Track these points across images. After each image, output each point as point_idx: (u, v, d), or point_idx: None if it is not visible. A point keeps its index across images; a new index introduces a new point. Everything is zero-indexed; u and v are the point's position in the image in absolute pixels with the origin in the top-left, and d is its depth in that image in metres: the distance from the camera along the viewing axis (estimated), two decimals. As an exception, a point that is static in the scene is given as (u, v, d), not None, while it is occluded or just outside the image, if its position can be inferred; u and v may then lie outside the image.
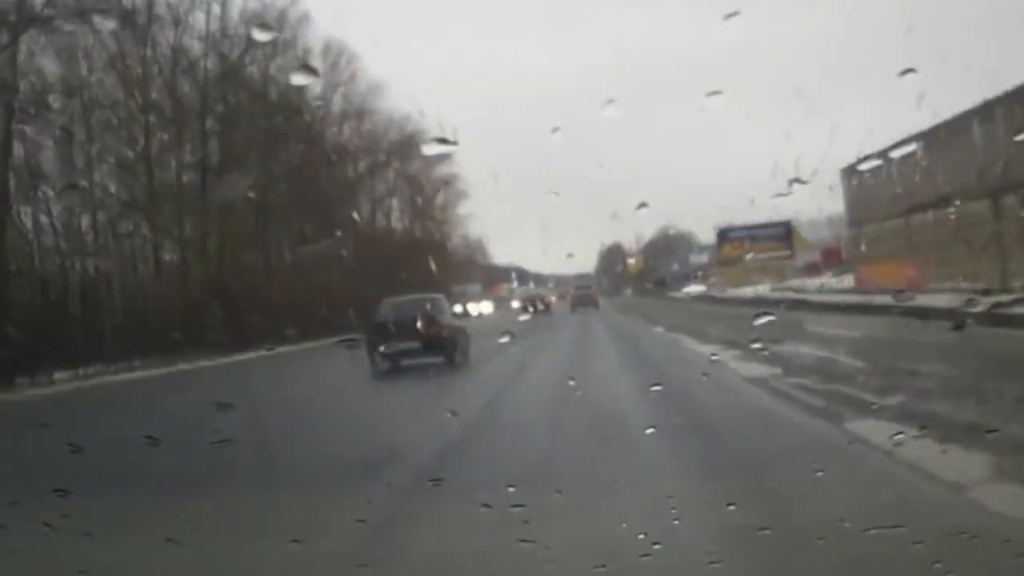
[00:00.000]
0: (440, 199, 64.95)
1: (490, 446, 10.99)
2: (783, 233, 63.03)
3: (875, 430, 9.08)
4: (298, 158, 49.63)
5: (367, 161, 58.55)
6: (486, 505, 6.68)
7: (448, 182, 62.62)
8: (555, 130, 8.06)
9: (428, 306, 22.12)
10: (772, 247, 62.14)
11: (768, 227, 60.30)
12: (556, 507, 6.96)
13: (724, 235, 64.58)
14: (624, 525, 6.29)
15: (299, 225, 49.11)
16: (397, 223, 63.56)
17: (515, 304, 50.06)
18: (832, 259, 55.35)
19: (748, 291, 47.35)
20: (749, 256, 61.03)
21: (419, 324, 20.83)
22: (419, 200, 63.05)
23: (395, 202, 63.06)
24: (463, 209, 64.72)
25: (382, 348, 20.63)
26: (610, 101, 7.24)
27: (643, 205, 8.38)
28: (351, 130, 56.62)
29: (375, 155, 58.65)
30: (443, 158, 55.93)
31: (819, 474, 7.26)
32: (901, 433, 8.38)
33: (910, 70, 6.95)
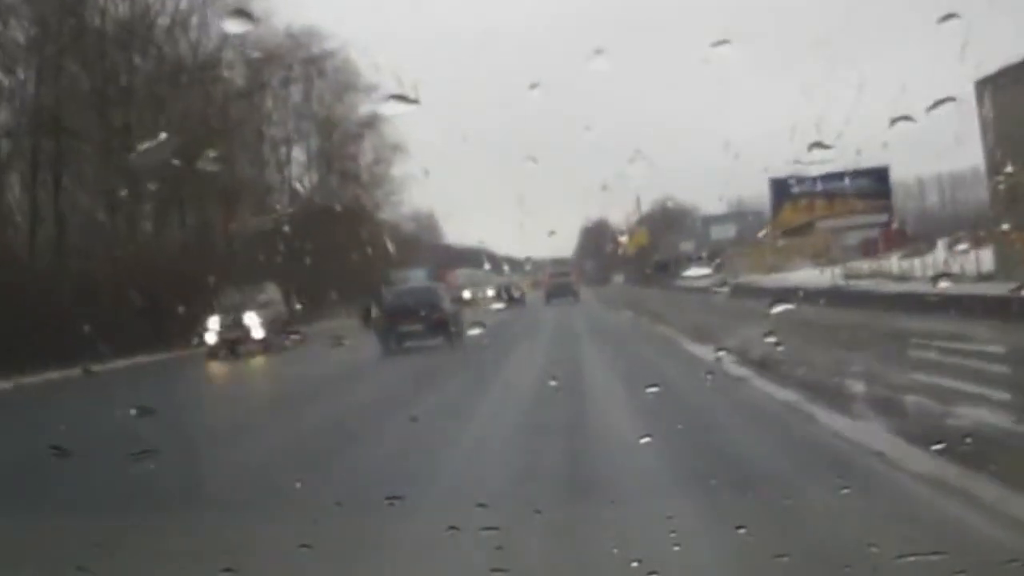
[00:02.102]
0: (368, 154, 53.86)
1: (458, 457, 10.74)
2: (876, 186, 45.94)
3: None
4: (125, 69, 41.13)
5: (246, 83, 47.07)
6: (453, 527, 6.48)
7: (371, 125, 50.99)
8: (533, 86, 7.86)
9: (430, 294, 29.62)
10: (859, 208, 45.61)
11: (853, 176, 42.44)
12: (535, 530, 6.81)
13: (783, 191, 44.90)
14: (615, 551, 6.13)
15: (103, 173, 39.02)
16: (300, 181, 52.99)
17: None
18: (895, 236, 45.03)
19: (798, 277, 37.21)
20: (826, 223, 44.64)
21: (423, 310, 27.51)
22: (362, 163, 52.58)
23: (296, 151, 52.63)
24: (401, 168, 53.49)
25: (397, 329, 27.24)
26: (598, 52, 7.06)
27: (637, 156, 8.10)
28: (219, 41, 44.87)
29: (260, 75, 47.31)
30: (365, 95, 48.16)
31: (844, 492, 7.08)
32: None
33: (952, 15, 6.79)
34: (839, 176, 40.89)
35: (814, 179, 41.60)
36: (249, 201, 45.56)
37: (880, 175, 45.50)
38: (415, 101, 6.01)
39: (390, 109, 5.98)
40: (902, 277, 32.45)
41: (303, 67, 48.91)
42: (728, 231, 62.80)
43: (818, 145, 7.29)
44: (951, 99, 6.57)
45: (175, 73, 43.56)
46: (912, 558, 5.18)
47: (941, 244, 32.53)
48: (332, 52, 47.51)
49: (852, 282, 34.13)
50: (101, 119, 39.65)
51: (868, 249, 44.40)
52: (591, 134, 10.72)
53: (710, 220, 66.48)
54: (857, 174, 42.12)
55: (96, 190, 39.81)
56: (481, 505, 7.21)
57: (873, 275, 35.66)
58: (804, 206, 44.72)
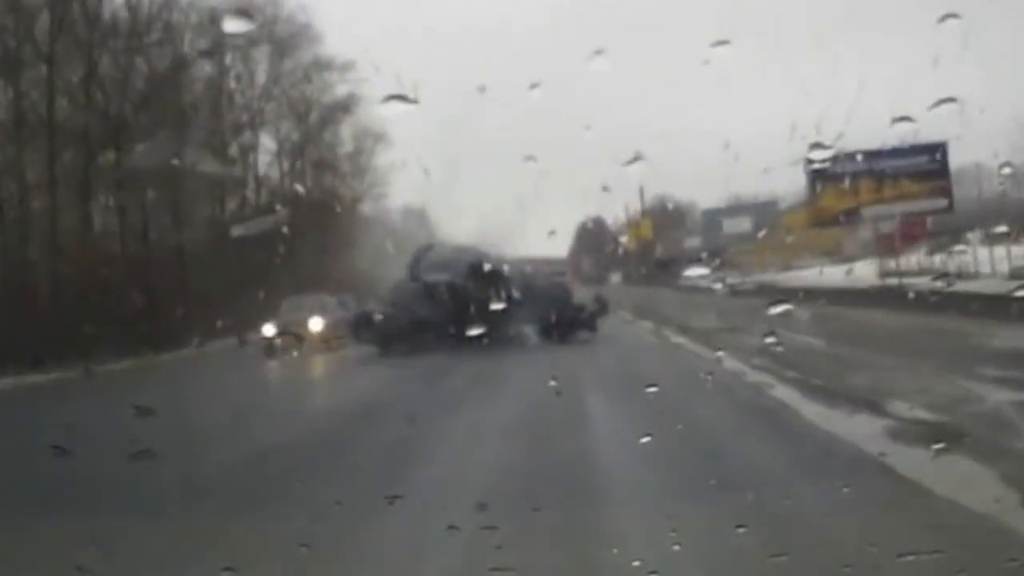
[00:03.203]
0: (348, 143, 48.02)
1: (457, 456, 10.71)
2: (932, 165, 39.57)
3: None
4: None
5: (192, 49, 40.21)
6: (453, 527, 6.52)
7: (348, 108, 45.39)
8: (533, 86, 7.87)
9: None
10: (913, 191, 38.67)
11: (904, 154, 36.15)
12: (534, 529, 6.82)
13: (823, 171, 35.14)
14: (615, 551, 6.16)
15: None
16: (268, 169, 45.93)
17: None
18: (914, 231, 37.60)
19: (821, 275, 29.86)
20: (874, 211, 37.49)
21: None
22: (340, 152, 46.24)
23: (264, 136, 45.95)
24: (384, 158, 47.04)
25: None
26: (598, 52, 7.07)
27: (637, 159, 8.03)
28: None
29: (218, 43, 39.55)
30: (343, 71, 43.11)
31: (845, 490, 7.10)
32: None
33: (951, 15, 6.80)
34: (889, 153, 34.76)
35: (859, 157, 32.07)
36: (204, 191, 40.95)
37: (937, 152, 39.35)
38: (414, 101, 5.99)
39: (389, 109, 5.96)
40: (960, 274, 25.83)
41: (266, 32, 41.48)
42: (742, 224, 55.13)
43: (819, 146, 7.28)
44: (951, 99, 6.59)
45: (133, 35, 37.39)
46: (912, 557, 5.19)
47: (972, 237, 28.89)
48: (295, 19, 41.95)
49: (903, 282, 27.38)
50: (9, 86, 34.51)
51: (884, 245, 37.48)
52: (591, 134, 10.68)
53: (719, 213, 59.34)
54: (910, 151, 36.60)
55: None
56: (481, 505, 7.21)
57: (922, 272, 29.37)
58: (848, 190, 37.90)
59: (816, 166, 27.47)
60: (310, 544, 6.31)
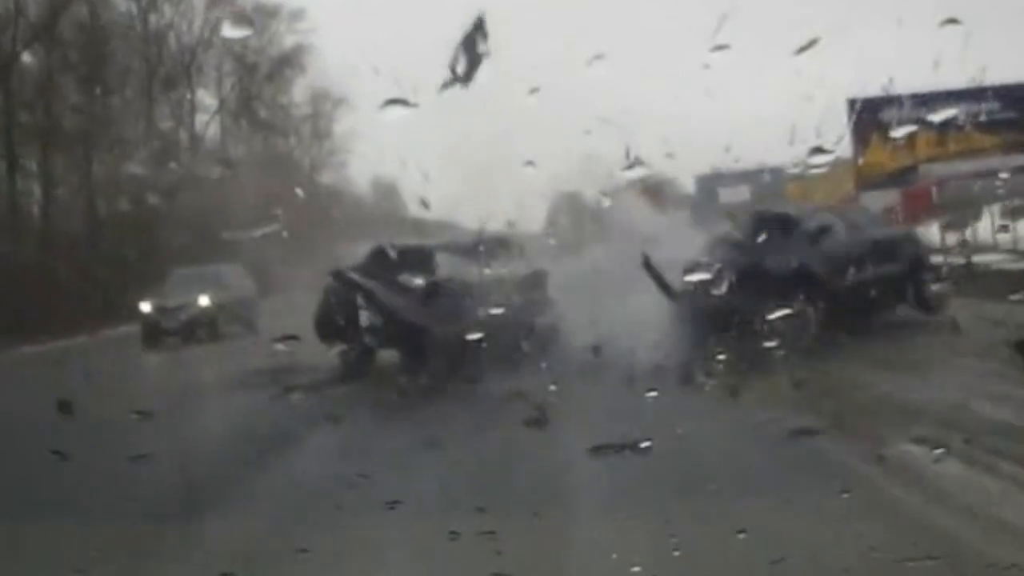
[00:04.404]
0: (304, 107, 42.30)
1: (455, 459, 10.77)
2: (1012, 111, 31.81)
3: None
4: None
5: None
6: (453, 532, 6.50)
7: (296, 63, 40.14)
8: (533, 91, 7.87)
9: None
10: (986, 144, 30.42)
11: (973, 98, 26.43)
12: (534, 534, 6.85)
13: (872, 119, 26.16)
14: (614, 556, 6.17)
15: None
16: (207, 131, 40.11)
17: None
18: (919, 203, 29.63)
19: None
20: (937, 169, 30.31)
21: None
22: (295, 115, 40.96)
23: (202, 95, 40.39)
24: (342, 123, 41.80)
25: None
26: (597, 57, 7.07)
27: (636, 164, 7.98)
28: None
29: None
30: (292, 20, 38.48)
31: (844, 496, 7.10)
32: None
33: (952, 20, 6.80)
34: (956, 97, 20.95)
35: (917, 102, 21.71)
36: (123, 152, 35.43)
37: (1020, 95, 31.25)
38: (415, 105, 5.98)
39: (390, 113, 5.93)
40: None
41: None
42: (741, 194, 51.50)
43: (819, 151, 7.26)
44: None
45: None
46: (911, 563, 5.21)
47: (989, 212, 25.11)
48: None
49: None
50: None
51: (888, 217, 30.05)
52: (591, 138, 10.65)
53: (714, 180, 53.94)
54: (981, 94, 27.64)
55: None
56: (480, 509, 7.22)
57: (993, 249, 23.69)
58: (903, 144, 30.75)
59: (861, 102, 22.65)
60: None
